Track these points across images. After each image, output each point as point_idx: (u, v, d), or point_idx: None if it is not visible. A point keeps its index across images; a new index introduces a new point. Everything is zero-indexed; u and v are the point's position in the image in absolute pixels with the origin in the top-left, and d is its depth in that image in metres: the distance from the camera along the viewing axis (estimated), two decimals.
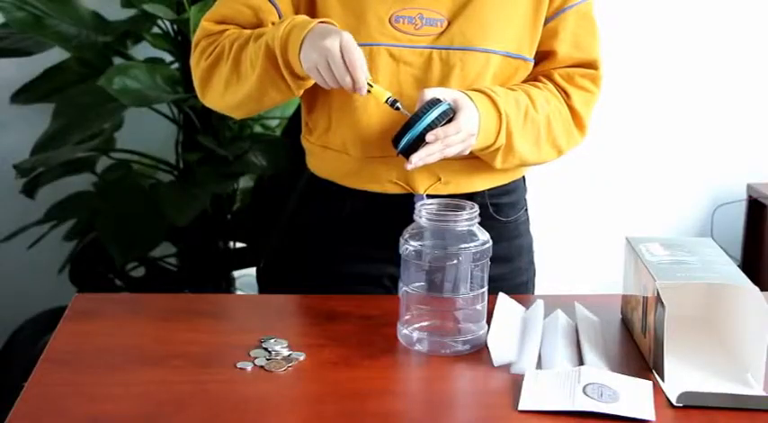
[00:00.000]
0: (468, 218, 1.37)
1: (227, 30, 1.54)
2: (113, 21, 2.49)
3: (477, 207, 1.39)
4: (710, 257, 1.42)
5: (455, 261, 1.36)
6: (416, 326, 1.39)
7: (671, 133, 3.15)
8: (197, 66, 1.55)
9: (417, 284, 1.38)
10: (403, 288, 1.40)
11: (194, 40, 1.56)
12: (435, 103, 1.40)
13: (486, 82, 1.52)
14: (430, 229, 1.37)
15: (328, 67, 1.39)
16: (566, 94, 1.57)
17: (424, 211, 1.37)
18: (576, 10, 1.56)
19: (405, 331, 1.39)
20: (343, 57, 1.38)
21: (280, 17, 1.52)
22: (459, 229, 1.36)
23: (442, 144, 1.40)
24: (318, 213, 1.64)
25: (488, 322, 1.41)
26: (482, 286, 1.39)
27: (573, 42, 1.57)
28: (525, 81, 1.58)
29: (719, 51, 3.10)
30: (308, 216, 1.65)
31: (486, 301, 1.40)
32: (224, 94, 1.54)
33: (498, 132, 1.48)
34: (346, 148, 1.55)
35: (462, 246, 1.36)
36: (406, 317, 1.40)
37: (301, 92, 1.51)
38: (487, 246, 1.38)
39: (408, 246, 1.37)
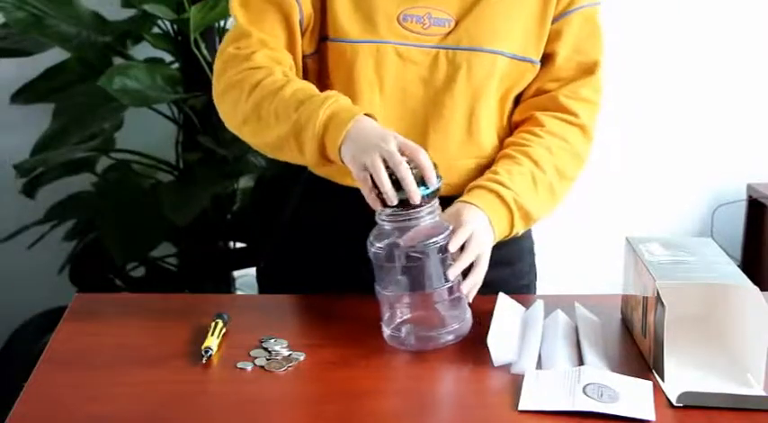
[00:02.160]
0: (430, 211, 1.35)
1: (256, 52, 1.49)
2: (113, 21, 2.49)
3: (436, 198, 1.36)
4: (710, 257, 1.42)
5: (425, 256, 1.35)
6: (399, 323, 1.39)
7: (671, 133, 3.15)
8: (218, 79, 1.52)
9: (391, 284, 1.38)
10: (378, 291, 1.39)
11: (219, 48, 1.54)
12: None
13: (493, 84, 1.52)
14: (394, 229, 1.36)
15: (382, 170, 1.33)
16: (575, 115, 1.56)
17: (384, 217, 1.36)
18: (581, 13, 1.55)
19: (388, 332, 1.39)
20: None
21: (300, 11, 1.50)
22: (423, 224, 1.35)
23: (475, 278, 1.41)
24: (319, 213, 1.64)
25: (488, 322, 1.41)
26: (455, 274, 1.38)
27: (574, 45, 1.56)
28: (523, 119, 1.57)
29: (719, 51, 3.10)
30: (309, 216, 1.65)
31: (462, 291, 1.40)
32: (240, 131, 1.52)
33: (512, 225, 1.48)
34: None
35: (430, 241, 1.35)
36: (387, 316, 1.39)
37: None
38: (450, 227, 1.37)
39: (374, 249, 1.37)
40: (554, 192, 1.54)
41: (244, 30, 1.51)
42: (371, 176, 1.34)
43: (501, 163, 1.53)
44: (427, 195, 1.34)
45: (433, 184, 1.34)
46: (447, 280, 1.36)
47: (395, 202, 1.33)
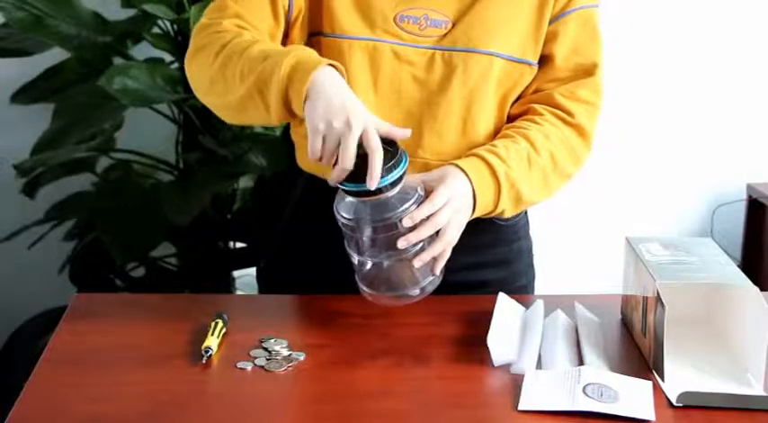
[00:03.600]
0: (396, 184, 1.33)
1: (227, 20, 1.47)
2: (113, 21, 2.49)
3: (400, 165, 1.33)
4: (710, 257, 1.42)
5: (392, 227, 1.34)
6: (368, 279, 1.39)
7: (670, 133, 3.15)
8: (189, 48, 1.50)
9: (360, 248, 1.37)
10: (348, 250, 1.39)
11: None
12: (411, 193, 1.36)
13: (489, 86, 1.52)
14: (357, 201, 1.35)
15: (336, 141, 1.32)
16: (570, 114, 1.55)
17: (349, 196, 1.34)
18: (578, 14, 1.55)
19: (360, 286, 1.40)
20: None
21: (290, 3, 1.49)
22: (391, 194, 1.34)
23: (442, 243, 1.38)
24: (318, 213, 1.64)
25: (488, 322, 1.41)
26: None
27: (572, 47, 1.56)
28: (521, 112, 1.57)
29: (719, 51, 3.10)
30: (308, 216, 1.65)
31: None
32: (207, 93, 1.49)
33: (497, 200, 1.46)
34: None
35: (399, 210, 1.33)
36: (356, 270, 1.40)
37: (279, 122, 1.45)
38: (422, 193, 1.36)
39: (340, 217, 1.36)
40: (547, 178, 1.53)
41: (224, 3, 1.49)
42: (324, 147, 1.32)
43: (499, 141, 1.51)
44: (388, 185, 1.32)
45: (399, 170, 1.32)
46: (396, 249, 1.34)
47: (331, 185, 1.33)
